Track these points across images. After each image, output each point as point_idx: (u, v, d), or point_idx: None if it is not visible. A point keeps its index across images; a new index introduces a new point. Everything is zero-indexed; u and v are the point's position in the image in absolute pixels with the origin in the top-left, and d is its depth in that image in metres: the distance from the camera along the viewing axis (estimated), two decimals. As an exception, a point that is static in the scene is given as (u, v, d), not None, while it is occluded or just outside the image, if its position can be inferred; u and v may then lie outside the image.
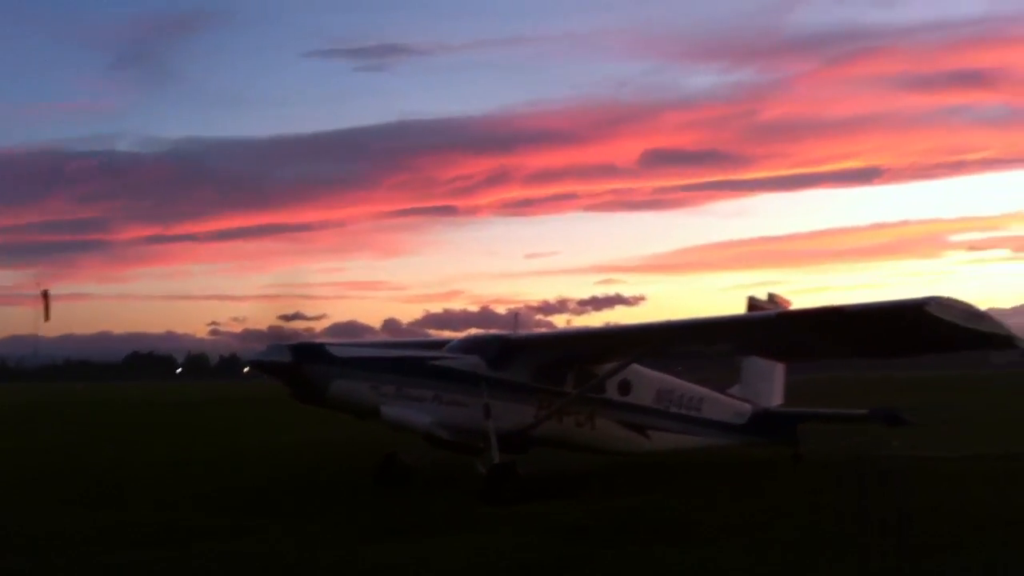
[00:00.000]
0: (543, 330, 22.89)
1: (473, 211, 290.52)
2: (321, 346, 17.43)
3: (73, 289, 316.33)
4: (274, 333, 18.35)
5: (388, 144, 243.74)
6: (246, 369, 19.75)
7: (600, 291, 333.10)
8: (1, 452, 27.28)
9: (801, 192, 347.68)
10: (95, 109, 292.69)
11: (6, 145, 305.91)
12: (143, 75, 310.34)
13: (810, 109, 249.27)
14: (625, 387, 19.94)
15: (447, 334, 24.96)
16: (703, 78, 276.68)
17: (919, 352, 19.43)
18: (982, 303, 15.06)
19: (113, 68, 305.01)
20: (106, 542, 13.20)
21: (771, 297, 23.24)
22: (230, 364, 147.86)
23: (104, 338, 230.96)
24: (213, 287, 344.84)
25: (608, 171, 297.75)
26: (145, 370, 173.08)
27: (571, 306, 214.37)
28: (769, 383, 23.91)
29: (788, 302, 23.11)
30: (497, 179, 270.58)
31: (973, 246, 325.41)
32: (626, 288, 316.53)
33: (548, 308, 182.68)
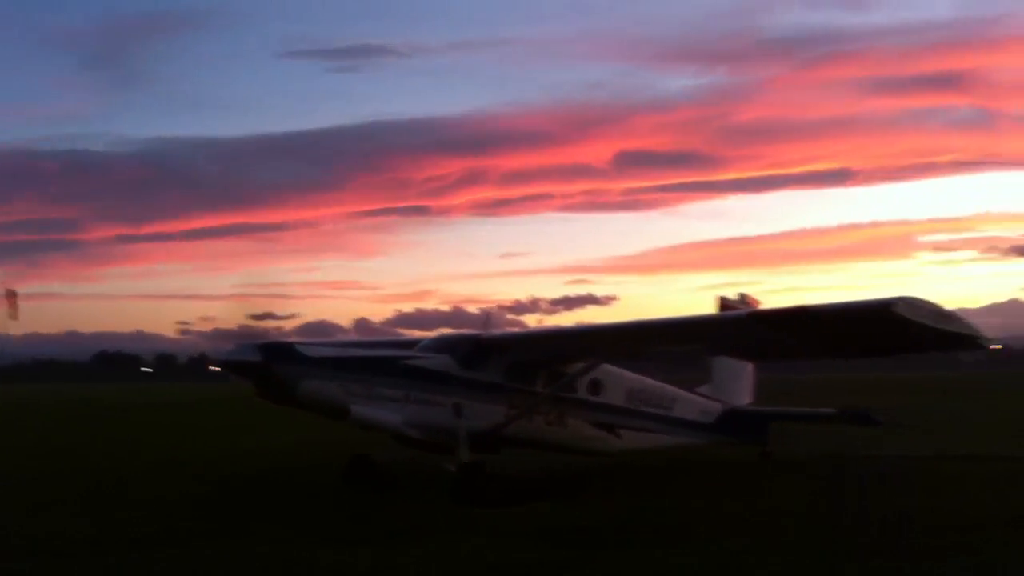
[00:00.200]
0: (515, 330, 22.79)
1: (446, 211, 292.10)
2: (291, 345, 17.30)
3: (42, 289, 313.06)
4: (243, 332, 18.21)
5: (361, 145, 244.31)
6: (215, 368, 19.54)
7: (572, 291, 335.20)
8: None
9: (773, 194, 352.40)
10: (66, 109, 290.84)
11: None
12: (114, 76, 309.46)
13: (782, 112, 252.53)
14: (596, 387, 19.96)
15: (419, 334, 24.85)
16: (676, 81, 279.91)
17: (888, 352, 19.59)
18: (950, 303, 15.18)
19: (84, 69, 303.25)
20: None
21: (742, 297, 23.34)
22: (199, 364, 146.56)
23: (72, 337, 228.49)
24: (183, 287, 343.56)
25: (581, 172, 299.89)
26: (113, 370, 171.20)
27: (543, 306, 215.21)
28: (739, 382, 24.03)
29: (758, 302, 23.22)
30: (470, 180, 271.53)
31: (942, 247, 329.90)
32: (598, 288, 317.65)
33: (520, 308, 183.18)
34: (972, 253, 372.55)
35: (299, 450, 26.18)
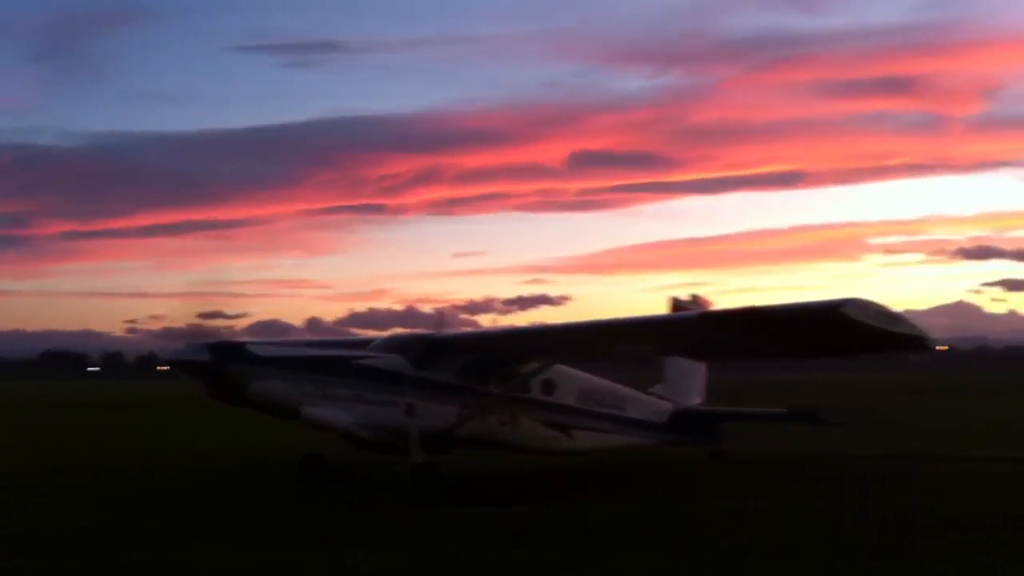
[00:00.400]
0: (468, 329, 22.74)
1: (401, 210, 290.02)
2: (241, 345, 17.17)
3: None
4: (193, 331, 18.01)
5: (316, 141, 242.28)
6: (164, 367, 19.31)
7: (526, 291, 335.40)
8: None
9: (726, 195, 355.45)
10: (14, 102, 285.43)
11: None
12: (64, 69, 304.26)
13: (736, 113, 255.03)
14: (549, 387, 19.98)
15: (371, 333, 24.72)
16: (631, 81, 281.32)
17: (839, 353, 19.83)
18: (899, 305, 15.39)
19: (33, 61, 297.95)
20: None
21: (694, 298, 23.53)
22: (147, 363, 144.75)
23: (17, 336, 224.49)
24: (133, 284, 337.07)
25: (536, 172, 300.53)
26: (58, 368, 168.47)
27: (497, 306, 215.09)
28: (690, 382, 24.18)
29: (710, 303, 23.42)
30: (425, 178, 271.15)
31: (892, 249, 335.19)
32: (552, 288, 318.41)
33: (474, 307, 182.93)
34: (921, 256, 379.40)
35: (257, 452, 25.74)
